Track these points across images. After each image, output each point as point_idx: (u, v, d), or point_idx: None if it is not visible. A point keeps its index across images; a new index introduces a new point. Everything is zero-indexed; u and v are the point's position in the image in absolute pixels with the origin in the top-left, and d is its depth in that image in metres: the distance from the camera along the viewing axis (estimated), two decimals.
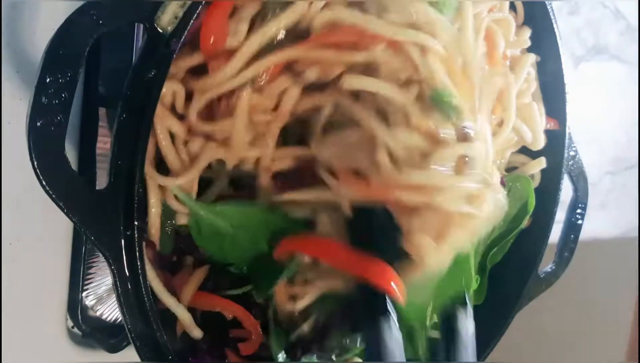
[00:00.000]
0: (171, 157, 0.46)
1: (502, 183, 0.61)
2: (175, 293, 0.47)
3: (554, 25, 0.60)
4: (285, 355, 0.51)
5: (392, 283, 0.44)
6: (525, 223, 0.63)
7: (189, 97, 0.46)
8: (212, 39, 0.44)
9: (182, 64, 0.45)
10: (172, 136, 0.47)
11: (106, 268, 0.41)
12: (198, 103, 0.46)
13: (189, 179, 0.47)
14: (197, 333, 0.49)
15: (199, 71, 0.46)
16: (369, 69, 0.46)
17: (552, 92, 0.63)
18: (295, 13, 0.45)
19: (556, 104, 0.62)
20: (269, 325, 0.52)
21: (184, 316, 0.47)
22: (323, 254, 0.48)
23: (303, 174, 0.49)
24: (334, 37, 0.45)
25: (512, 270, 0.63)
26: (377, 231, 0.46)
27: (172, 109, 0.47)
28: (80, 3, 0.38)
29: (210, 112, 0.48)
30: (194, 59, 0.45)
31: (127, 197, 0.40)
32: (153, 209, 0.46)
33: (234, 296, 0.51)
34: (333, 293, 0.52)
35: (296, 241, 0.48)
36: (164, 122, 0.46)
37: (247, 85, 0.46)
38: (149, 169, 0.45)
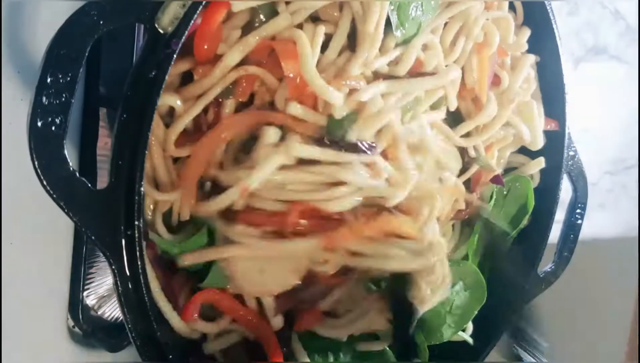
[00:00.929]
0: (161, 170, 0.47)
1: (501, 182, 0.61)
2: (174, 292, 0.47)
3: (554, 26, 0.60)
4: None
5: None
6: (524, 222, 0.64)
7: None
8: (206, 45, 0.45)
9: (173, 70, 0.45)
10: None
11: (107, 268, 0.41)
12: (176, 128, 0.46)
13: (175, 198, 0.47)
14: (195, 335, 0.49)
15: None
16: None
17: (551, 93, 0.63)
18: (276, 25, 0.46)
19: (556, 104, 0.63)
20: None
21: (178, 324, 0.47)
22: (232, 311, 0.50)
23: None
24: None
25: (512, 269, 0.63)
26: None
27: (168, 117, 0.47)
28: (81, 3, 0.38)
29: (197, 127, 0.48)
30: (184, 65, 0.46)
31: (128, 197, 0.41)
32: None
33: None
34: None
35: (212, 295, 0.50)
36: (156, 132, 0.46)
37: (230, 96, 0.47)
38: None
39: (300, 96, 0.47)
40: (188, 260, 0.47)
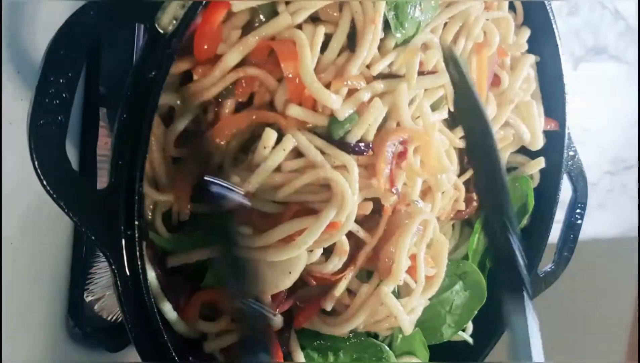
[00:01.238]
0: (161, 170, 0.47)
1: None
2: (175, 292, 0.47)
3: (554, 26, 0.60)
4: None
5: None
6: (524, 222, 0.64)
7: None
8: (206, 45, 0.45)
9: (173, 70, 0.45)
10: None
11: (107, 268, 0.42)
12: (176, 128, 0.46)
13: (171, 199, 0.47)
14: (194, 335, 0.49)
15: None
16: None
17: (551, 93, 0.63)
18: (276, 25, 0.46)
19: (556, 104, 0.63)
20: None
21: (178, 324, 0.47)
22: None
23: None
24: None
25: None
26: None
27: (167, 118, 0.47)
28: (81, 3, 0.38)
29: (197, 126, 0.48)
30: (184, 65, 0.46)
31: (128, 197, 0.41)
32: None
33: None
34: None
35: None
36: (156, 132, 0.46)
37: (230, 95, 0.47)
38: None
39: (300, 96, 0.47)
40: (174, 261, 0.48)
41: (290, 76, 0.46)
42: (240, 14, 0.46)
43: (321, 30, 0.46)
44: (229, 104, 0.47)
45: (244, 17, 0.46)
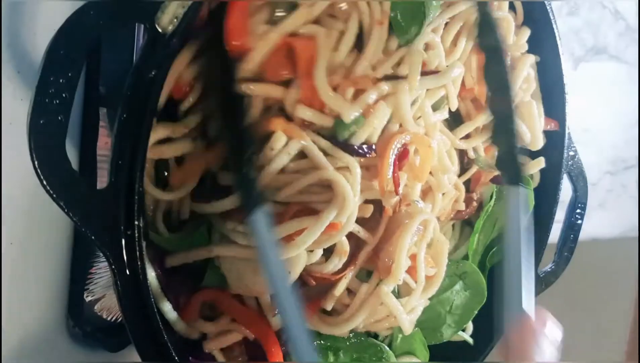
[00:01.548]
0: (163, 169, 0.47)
1: (501, 182, 0.61)
2: (175, 292, 0.48)
3: (554, 26, 0.60)
4: None
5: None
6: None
7: None
8: (236, 39, 0.44)
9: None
10: None
11: (107, 268, 0.41)
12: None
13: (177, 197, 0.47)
14: (194, 335, 0.49)
15: None
16: None
17: (551, 93, 0.63)
18: (295, 20, 0.46)
19: (556, 104, 0.63)
20: None
21: (179, 324, 0.47)
22: (231, 310, 0.50)
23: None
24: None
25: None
26: None
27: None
28: (81, 3, 0.38)
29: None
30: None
31: (128, 197, 0.41)
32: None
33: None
34: None
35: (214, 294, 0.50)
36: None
37: None
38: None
39: (313, 96, 0.46)
40: (174, 261, 0.48)
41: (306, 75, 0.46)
42: (263, 7, 0.46)
43: (336, 30, 0.47)
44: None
45: (266, 11, 0.46)
